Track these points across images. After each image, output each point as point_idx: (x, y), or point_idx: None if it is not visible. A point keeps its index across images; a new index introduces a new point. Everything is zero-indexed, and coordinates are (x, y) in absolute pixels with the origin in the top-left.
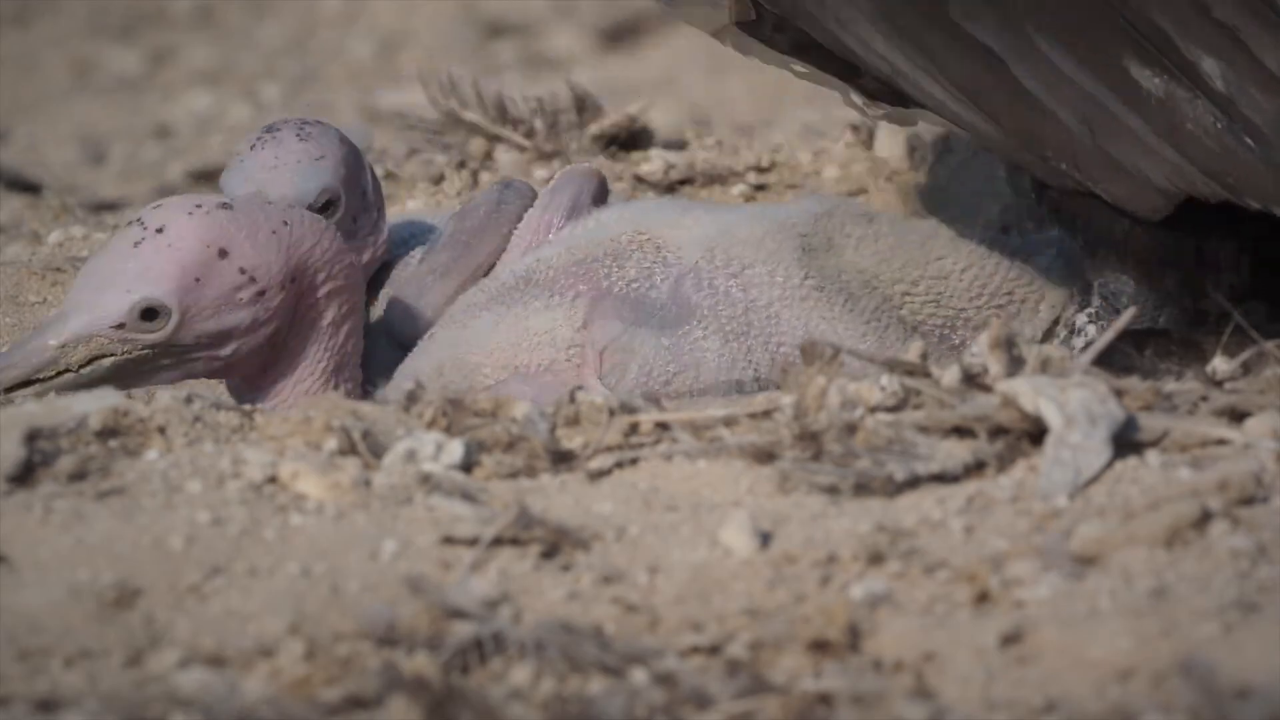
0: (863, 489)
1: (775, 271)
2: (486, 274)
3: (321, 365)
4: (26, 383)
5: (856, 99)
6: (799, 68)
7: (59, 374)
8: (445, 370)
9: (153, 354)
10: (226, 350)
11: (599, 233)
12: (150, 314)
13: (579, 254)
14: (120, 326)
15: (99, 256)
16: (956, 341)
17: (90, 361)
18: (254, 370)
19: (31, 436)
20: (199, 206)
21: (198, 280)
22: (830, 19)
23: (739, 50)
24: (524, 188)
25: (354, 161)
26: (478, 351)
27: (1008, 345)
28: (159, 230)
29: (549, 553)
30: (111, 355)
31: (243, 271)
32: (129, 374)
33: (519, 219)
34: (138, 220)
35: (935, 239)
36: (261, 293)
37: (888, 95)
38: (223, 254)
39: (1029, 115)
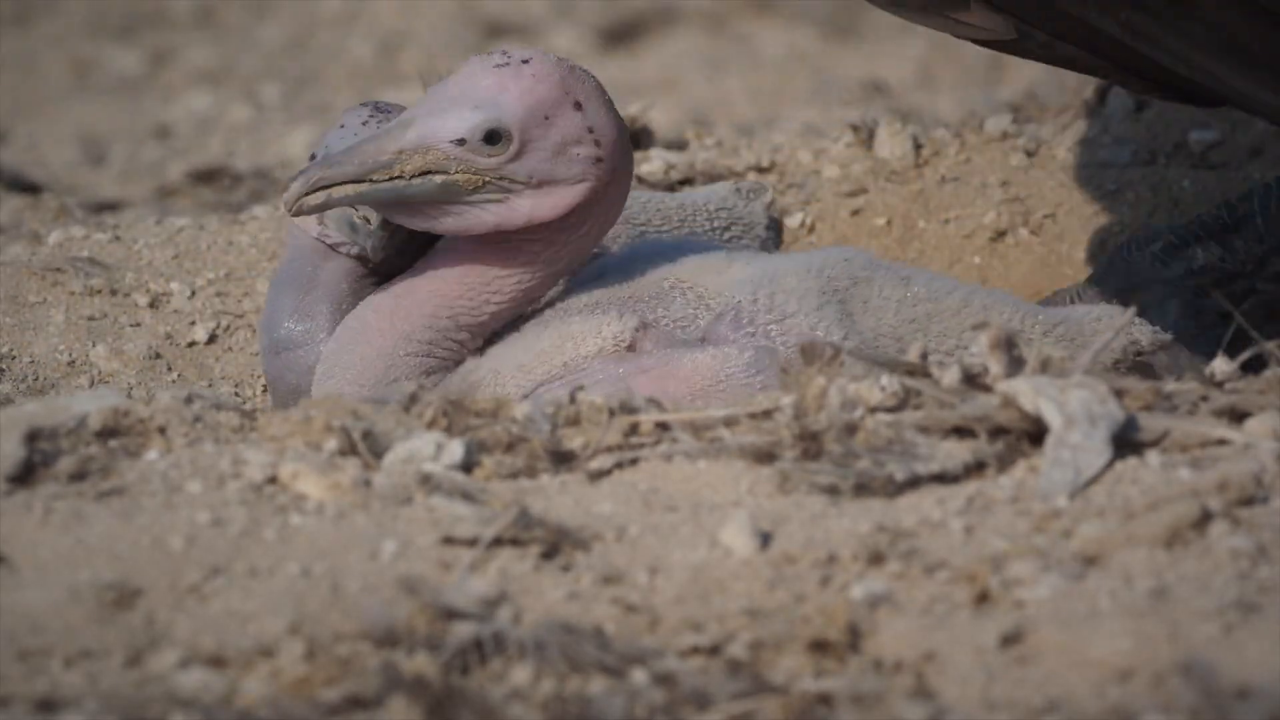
0: (863, 489)
1: (816, 327)
2: None
3: (554, 268)
4: (356, 180)
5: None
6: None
7: (390, 179)
8: (501, 373)
9: (480, 181)
10: (539, 202)
11: (640, 275)
12: (493, 137)
13: (622, 291)
14: (461, 143)
15: (454, 77)
16: None
17: (422, 174)
18: (512, 244)
19: (31, 436)
20: (565, 60)
21: (546, 119)
22: (1158, 50)
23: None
24: None
25: None
26: (526, 355)
27: (1008, 345)
28: (524, 61)
29: (549, 553)
30: (443, 172)
31: (590, 130)
32: (447, 197)
33: None
34: (500, 50)
35: (969, 306)
36: (598, 159)
37: (1186, 97)
38: (577, 106)
39: None
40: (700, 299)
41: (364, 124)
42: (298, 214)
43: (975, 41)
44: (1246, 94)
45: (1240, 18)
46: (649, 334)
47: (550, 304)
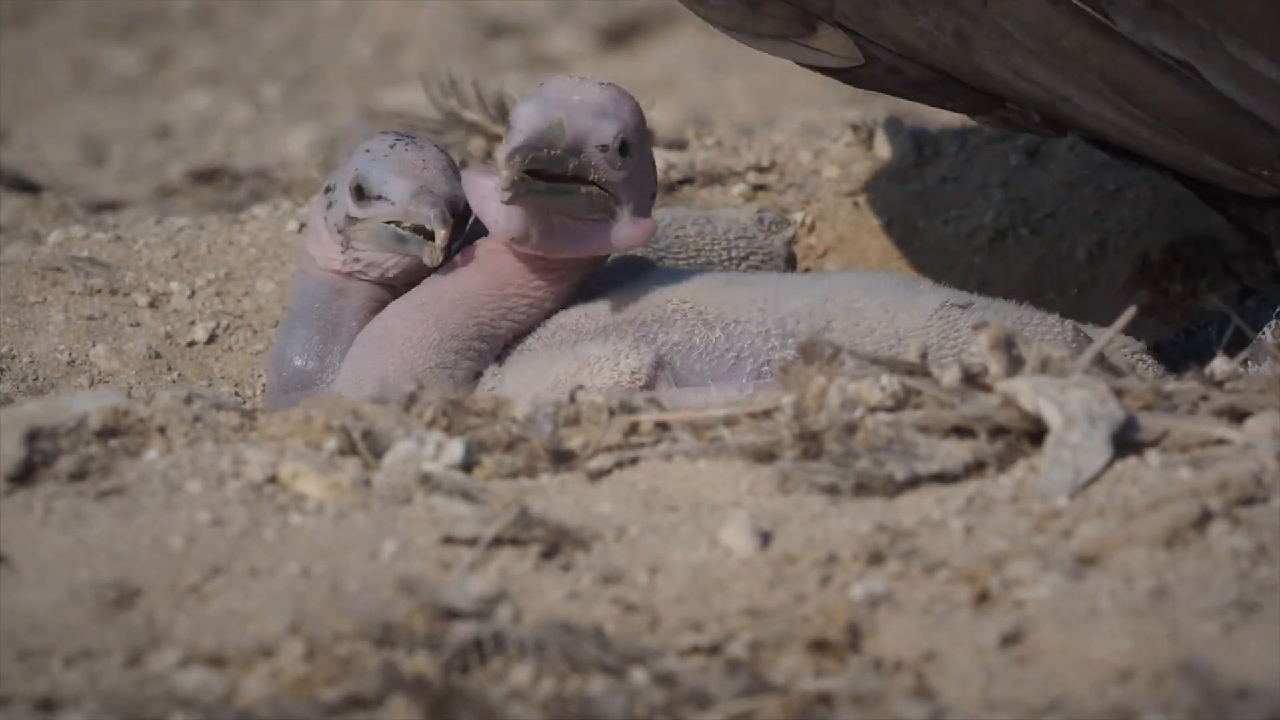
0: (863, 489)
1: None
2: None
3: (574, 282)
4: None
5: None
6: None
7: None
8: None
9: (605, 197)
10: (632, 232)
11: (644, 298)
12: (625, 148)
13: (627, 315)
14: (604, 149)
15: (554, 85)
16: None
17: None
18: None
19: (31, 436)
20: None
21: (642, 142)
22: (984, 53)
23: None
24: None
25: None
26: (540, 382)
27: (1007, 345)
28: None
29: (549, 553)
30: (584, 180)
31: (654, 164)
32: (584, 210)
33: None
34: (577, 75)
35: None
36: (654, 194)
37: (1036, 124)
38: (649, 140)
39: (1222, 122)
40: (700, 316)
41: (391, 147)
42: (513, 202)
43: (825, 72)
44: (1075, 103)
45: (1056, 15)
46: (663, 373)
47: (560, 323)
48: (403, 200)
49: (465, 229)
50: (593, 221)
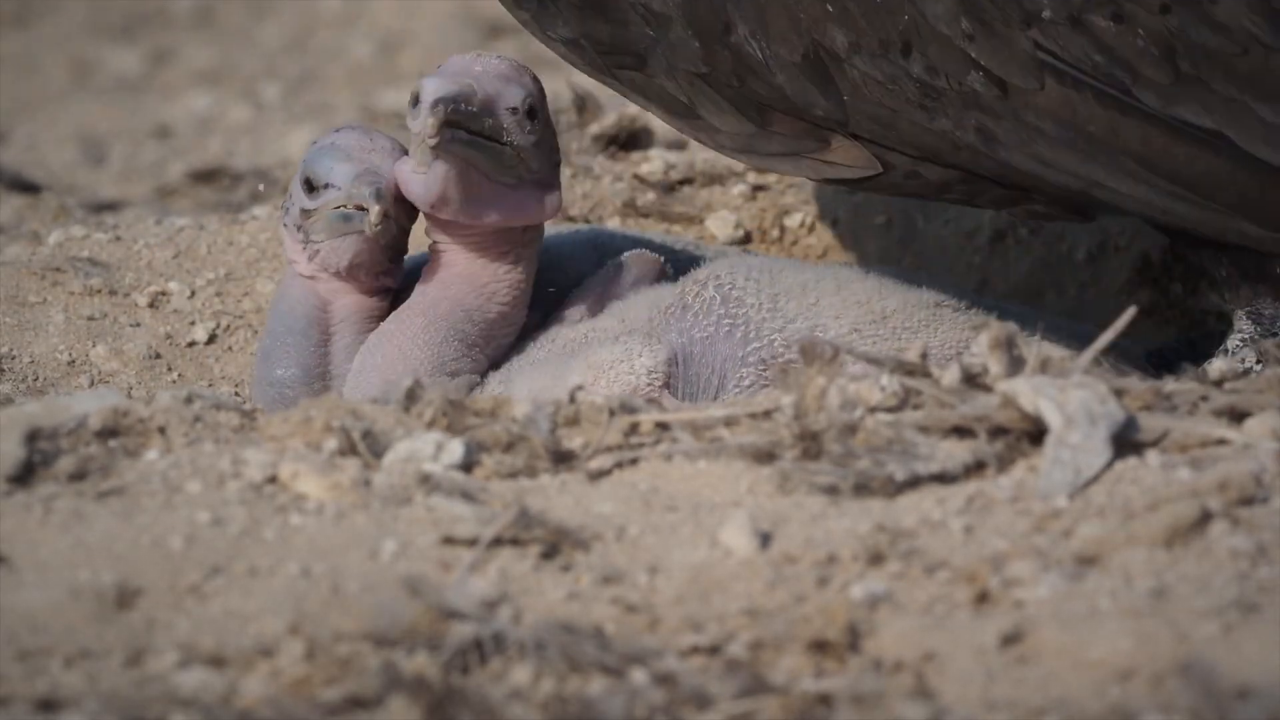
0: (863, 489)
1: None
2: None
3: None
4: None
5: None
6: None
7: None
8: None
9: (517, 158)
10: (547, 198)
11: (645, 302)
12: (533, 113)
13: (633, 323)
14: (514, 112)
15: (459, 61)
16: None
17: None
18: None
19: (31, 436)
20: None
21: (546, 111)
22: (1009, 147)
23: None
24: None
25: None
26: (555, 388)
27: (1008, 345)
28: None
29: (549, 553)
30: (497, 140)
31: (556, 136)
32: (498, 167)
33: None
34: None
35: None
36: (557, 164)
37: (1065, 211)
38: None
39: (1257, 185)
40: (723, 302)
41: (336, 134)
42: (437, 150)
43: (842, 184)
44: (1107, 186)
45: (1080, 101)
46: (677, 370)
47: (569, 337)
48: (346, 183)
49: (416, 213)
50: (506, 186)
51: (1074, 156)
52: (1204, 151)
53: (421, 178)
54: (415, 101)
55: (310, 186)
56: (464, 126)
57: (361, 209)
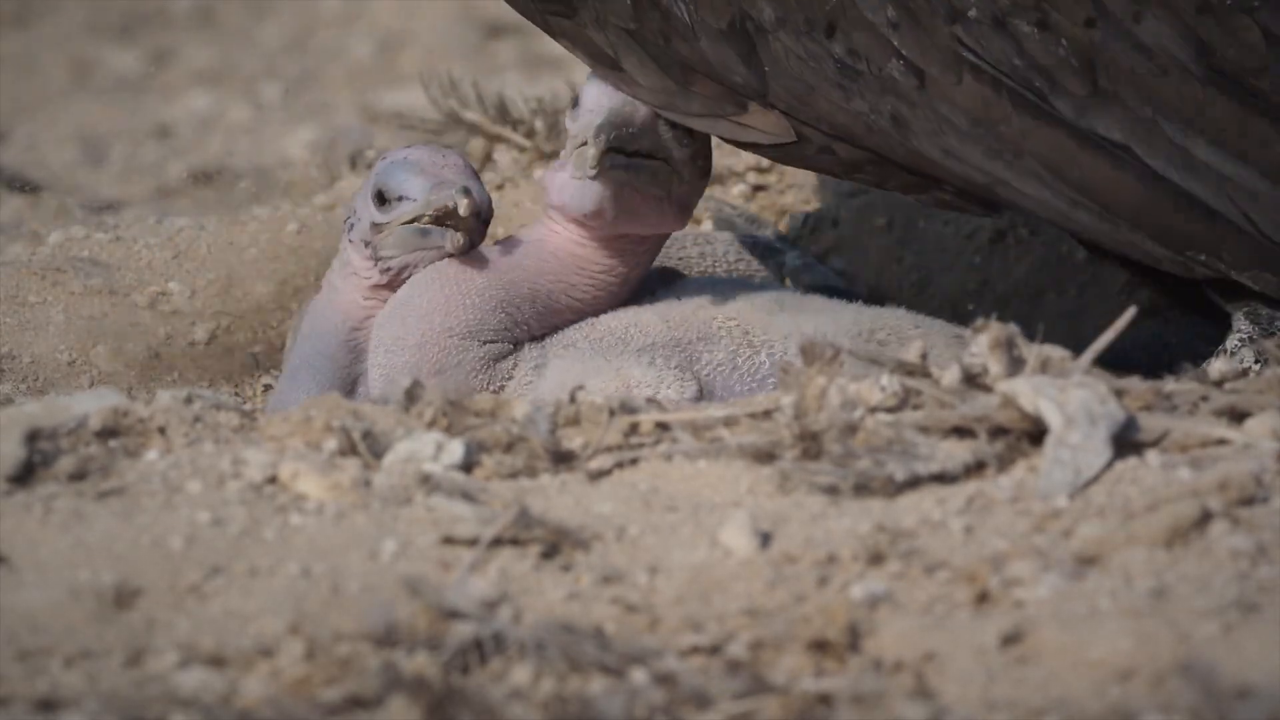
0: (863, 489)
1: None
2: None
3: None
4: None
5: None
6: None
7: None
8: None
9: (668, 173)
10: (683, 212)
11: (692, 312)
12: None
13: (675, 331)
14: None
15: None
16: None
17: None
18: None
19: (31, 436)
20: None
21: None
22: (920, 136)
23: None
24: None
25: None
26: (588, 383)
27: (1008, 345)
28: None
29: (549, 553)
30: (655, 157)
31: None
32: (656, 184)
33: None
34: None
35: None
36: None
37: (970, 203)
38: None
39: (1160, 205)
40: (745, 335)
41: (408, 150)
42: (598, 178)
43: (755, 149)
44: (1012, 186)
45: (996, 101)
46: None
47: (609, 327)
48: (423, 194)
49: (485, 232)
50: (656, 198)
51: (982, 152)
52: (1110, 164)
53: (578, 186)
54: (575, 103)
55: (382, 199)
56: (624, 150)
57: (440, 222)
